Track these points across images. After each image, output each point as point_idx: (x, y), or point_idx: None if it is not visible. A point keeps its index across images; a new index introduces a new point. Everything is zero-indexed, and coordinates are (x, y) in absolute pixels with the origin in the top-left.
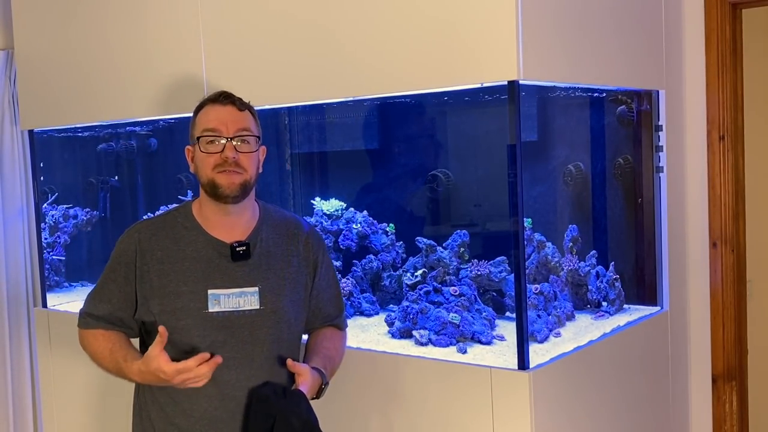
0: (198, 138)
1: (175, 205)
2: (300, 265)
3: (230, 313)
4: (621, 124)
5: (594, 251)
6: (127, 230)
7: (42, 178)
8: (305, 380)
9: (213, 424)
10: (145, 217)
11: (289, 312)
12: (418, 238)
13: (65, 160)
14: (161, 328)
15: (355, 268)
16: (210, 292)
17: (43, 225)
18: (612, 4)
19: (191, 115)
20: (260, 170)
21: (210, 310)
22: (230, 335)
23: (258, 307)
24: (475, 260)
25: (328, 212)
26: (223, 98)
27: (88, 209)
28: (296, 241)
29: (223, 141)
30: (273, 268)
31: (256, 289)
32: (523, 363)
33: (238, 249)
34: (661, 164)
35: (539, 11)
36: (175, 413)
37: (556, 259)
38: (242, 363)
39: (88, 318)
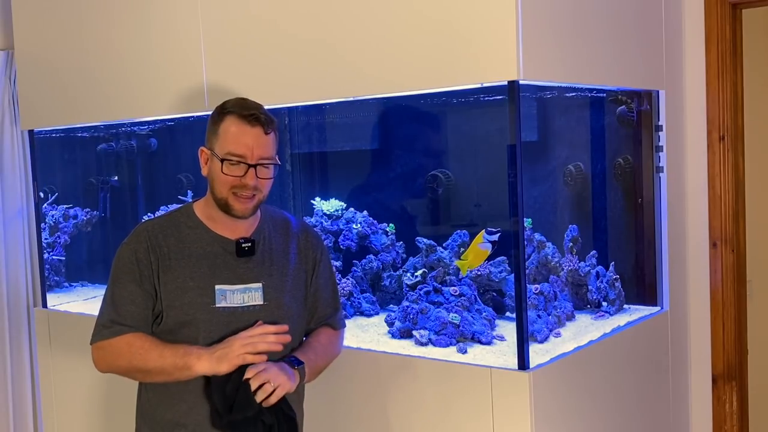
0: (222, 160)
1: (175, 206)
2: (300, 263)
3: (235, 308)
4: (621, 124)
5: (594, 251)
6: (133, 232)
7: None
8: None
9: None
10: (145, 218)
11: (292, 308)
12: (418, 238)
13: (65, 160)
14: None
15: (355, 268)
16: (217, 287)
17: (43, 225)
18: (612, 4)
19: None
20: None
21: (217, 305)
22: (235, 330)
23: (262, 302)
24: None
25: (328, 212)
26: (253, 119)
27: (88, 209)
28: (296, 240)
29: (245, 166)
30: (276, 265)
31: (260, 285)
32: (523, 363)
33: (243, 245)
34: (661, 164)
35: (539, 11)
36: (180, 410)
37: (556, 259)
38: None
39: (116, 326)
